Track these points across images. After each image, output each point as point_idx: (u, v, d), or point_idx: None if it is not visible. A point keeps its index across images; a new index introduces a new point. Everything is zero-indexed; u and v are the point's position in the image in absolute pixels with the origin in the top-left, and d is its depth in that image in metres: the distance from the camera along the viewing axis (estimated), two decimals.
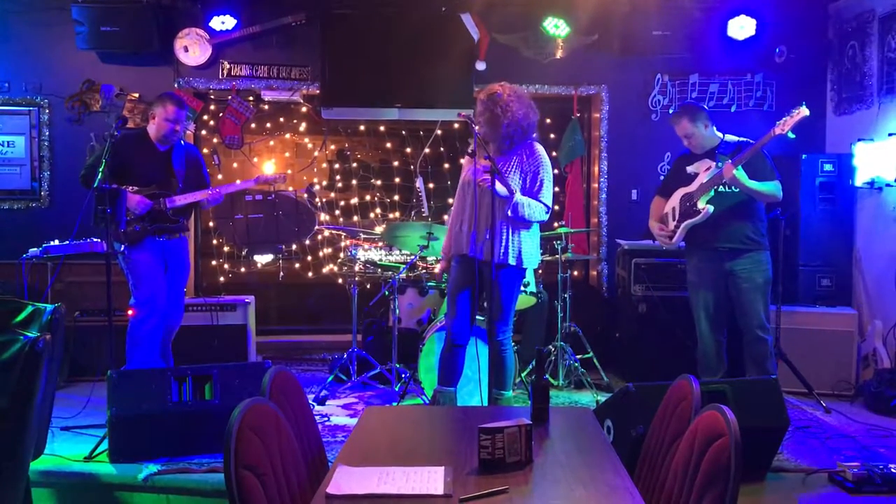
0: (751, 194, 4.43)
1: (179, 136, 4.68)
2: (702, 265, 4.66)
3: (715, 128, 4.66)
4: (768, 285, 4.58)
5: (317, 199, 6.83)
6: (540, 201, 4.09)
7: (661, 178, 5.75)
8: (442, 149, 6.75)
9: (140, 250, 4.53)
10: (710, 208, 4.49)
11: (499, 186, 3.91)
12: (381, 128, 6.87)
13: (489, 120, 4.05)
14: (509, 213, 3.99)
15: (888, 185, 5.32)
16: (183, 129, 4.71)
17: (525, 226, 4.13)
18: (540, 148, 4.17)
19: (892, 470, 3.54)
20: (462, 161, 4.39)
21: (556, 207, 6.65)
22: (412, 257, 5.31)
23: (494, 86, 4.13)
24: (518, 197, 4.00)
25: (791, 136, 4.28)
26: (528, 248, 4.16)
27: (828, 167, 5.68)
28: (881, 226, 5.48)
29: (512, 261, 4.09)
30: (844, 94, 6.04)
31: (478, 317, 4.44)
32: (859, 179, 5.55)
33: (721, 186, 4.51)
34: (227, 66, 6.17)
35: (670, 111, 6.32)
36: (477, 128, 4.06)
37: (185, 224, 4.73)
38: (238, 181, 5.09)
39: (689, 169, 4.65)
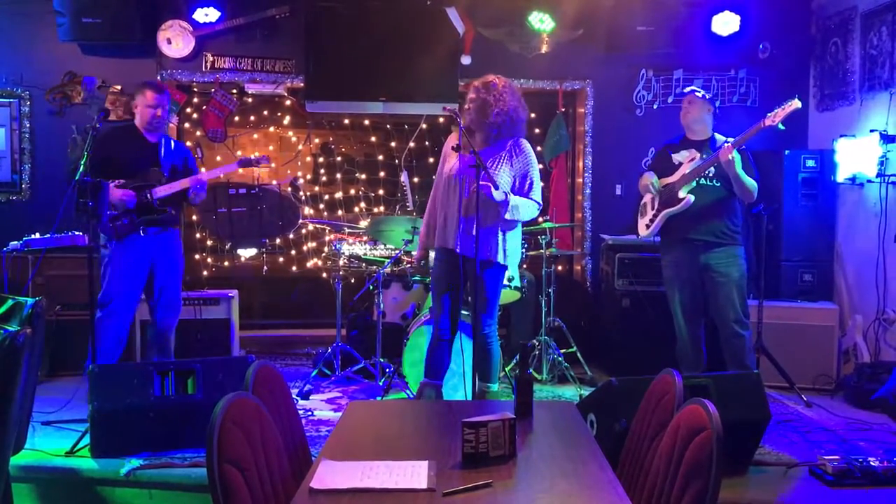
0: (736, 183, 4.42)
1: (164, 121, 4.67)
2: (677, 259, 4.68)
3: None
4: (744, 280, 4.60)
5: (301, 193, 6.81)
6: (532, 199, 4.10)
7: (646, 163, 5.77)
8: (427, 143, 6.74)
9: (124, 247, 4.48)
10: (692, 198, 4.51)
11: (496, 194, 3.89)
12: (366, 121, 6.85)
13: (479, 107, 4.04)
14: (507, 216, 3.99)
15: (869, 181, 5.37)
16: (166, 115, 4.70)
17: (511, 224, 4.13)
18: (528, 144, 4.18)
19: (872, 463, 3.57)
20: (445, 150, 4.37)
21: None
22: (397, 251, 5.30)
23: (491, 76, 4.13)
24: (512, 200, 3.99)
25: (781, 127, 4.31)
26: (512, 246, 4.18)
27: (810, 163, 5.72)
28: (862, 221, 5.53)
29: (499, 258, 4.10)
30: (827, 90, 6.08)
31: (462, 311, 4.44)
32: (841, 175, 5.59)
33: (703, 179, 4.54)
34: (211, 58, 6.12)
35: (654, 106, 6.35)
36: (463, 119, 4.05)
37: (175, 216, 4.68)
38: (219, 168, 5.00)
39: (675, 157, 4.67)
